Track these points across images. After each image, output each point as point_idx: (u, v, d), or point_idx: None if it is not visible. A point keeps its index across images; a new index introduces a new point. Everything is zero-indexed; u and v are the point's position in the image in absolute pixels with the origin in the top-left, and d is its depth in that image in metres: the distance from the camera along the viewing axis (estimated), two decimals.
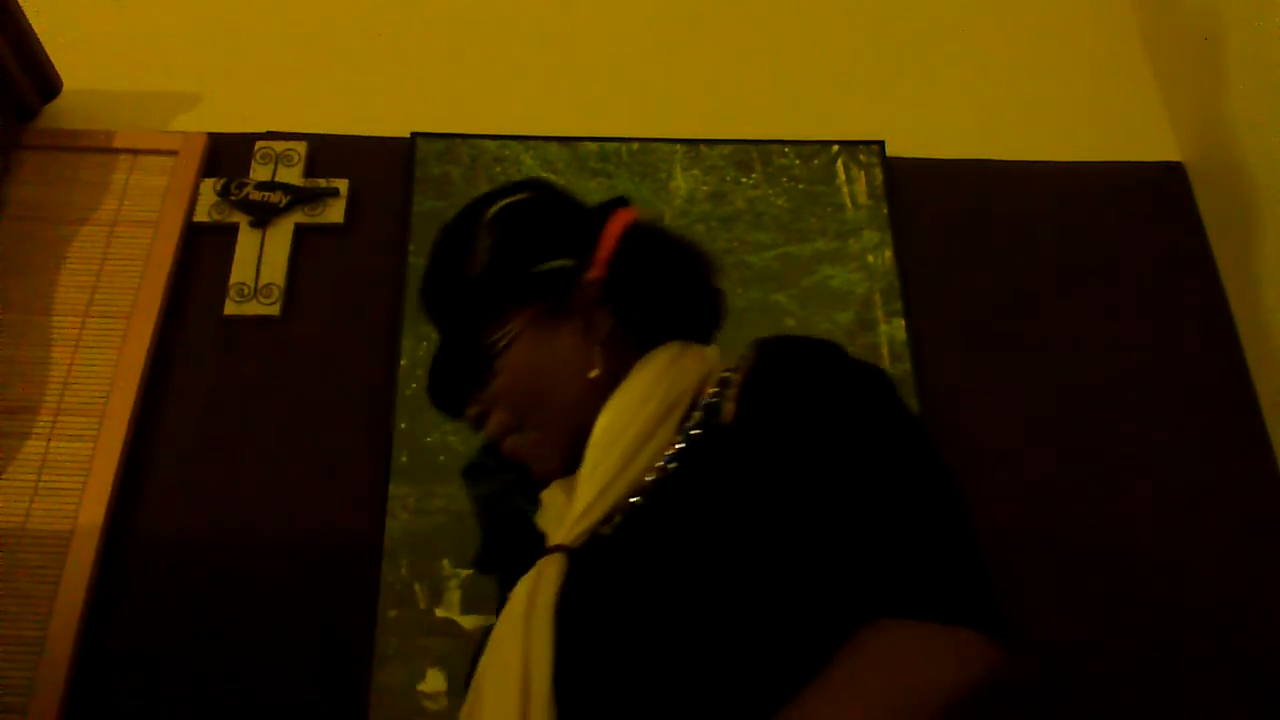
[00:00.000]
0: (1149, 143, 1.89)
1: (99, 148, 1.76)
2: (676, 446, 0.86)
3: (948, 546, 0.76)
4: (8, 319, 1.62)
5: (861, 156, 1.83)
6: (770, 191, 1.79)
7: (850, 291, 1.71)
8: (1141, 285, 1.76)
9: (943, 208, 1.81)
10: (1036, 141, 1.86)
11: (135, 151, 1.77)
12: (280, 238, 1.71)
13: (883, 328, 1.68)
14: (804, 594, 0.77)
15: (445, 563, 1.49)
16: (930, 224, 1.79)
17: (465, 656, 1.44)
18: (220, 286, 1.67)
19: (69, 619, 1.41)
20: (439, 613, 1.47)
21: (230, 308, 1.65)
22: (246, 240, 1.70)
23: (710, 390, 0.88)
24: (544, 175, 1.79)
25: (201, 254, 1.71)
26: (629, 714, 0.76)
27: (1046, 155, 1.85)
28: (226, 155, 1.78)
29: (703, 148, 1.83)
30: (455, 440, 1.55)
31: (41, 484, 1.51)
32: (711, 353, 0.95)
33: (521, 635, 0.80)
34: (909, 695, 0.71)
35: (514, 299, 0.95)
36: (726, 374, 0.88)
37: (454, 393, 0.99)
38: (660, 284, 0.97)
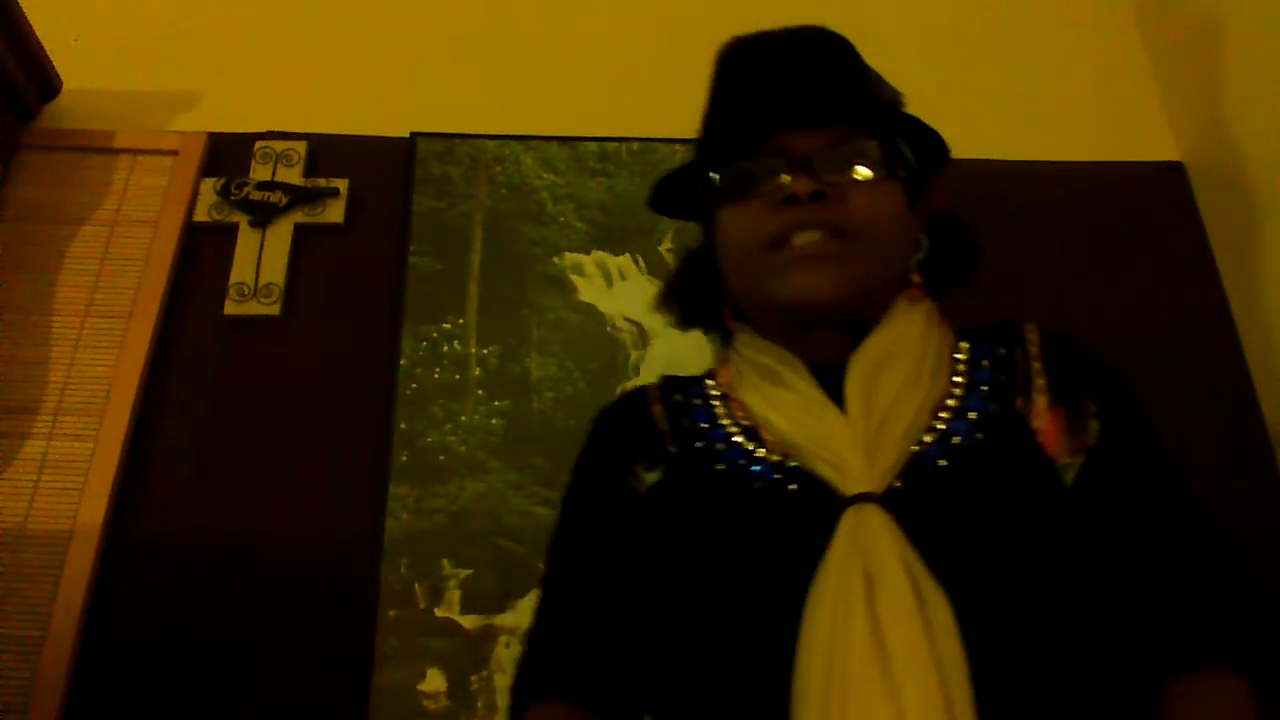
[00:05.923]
0: (1149, 143, 1.89)
1: (99, 148, 1.76)
2: (957, 406, 0.88)
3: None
4: (8, 319, 1.62)
5: None
6: None
7: None
8: (1141, 285, 1.76)
9: None
10: (1036, 141, 1.86)
11: (135, 151, 1.77)
12: (280, 238, 1.71)
13: None
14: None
15: (445, 563, 1.49)
16: None
17: (465, 656, 1.45)
18: (220, 286, 1.67)
19: (69, 619, 1.41)
20: (439, 613, 1.47)
21: (230, 308, 1.65)
22: (246, 240, 1.70)
23: (961, 359, 0.92)
24: (544, 175, 1.79)
25: (201, 254, 1.71)
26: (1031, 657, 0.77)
27: (1046, 155, 1.84)
28: (226, 155, 1.78)
29: None
30: (454, 440, 1.55)
31: (41, 484, 1.51)
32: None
33: (900, 580, 0.73)
34: None
35: (906, 146, 0.96)
36: (961, 354, 0.92)
37: (807, 114, 0.93)
38: (965, 238, 1.05)
